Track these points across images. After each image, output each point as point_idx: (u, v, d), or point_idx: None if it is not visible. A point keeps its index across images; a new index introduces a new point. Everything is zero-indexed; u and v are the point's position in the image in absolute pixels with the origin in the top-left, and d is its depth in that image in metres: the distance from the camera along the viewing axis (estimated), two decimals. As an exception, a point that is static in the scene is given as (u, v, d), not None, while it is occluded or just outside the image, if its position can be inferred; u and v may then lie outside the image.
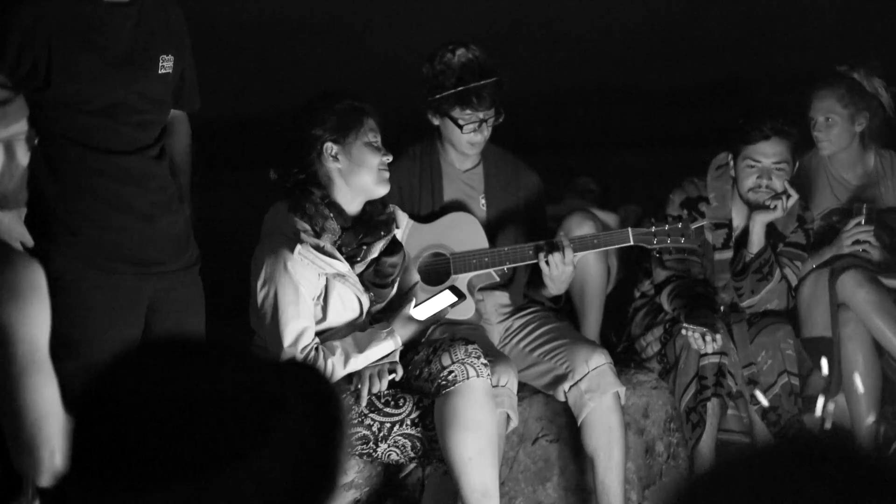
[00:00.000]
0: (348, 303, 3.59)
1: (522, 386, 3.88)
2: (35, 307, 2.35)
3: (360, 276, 3.60)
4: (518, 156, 4.19)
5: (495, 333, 4.09)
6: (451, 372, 3.50)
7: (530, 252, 3.90)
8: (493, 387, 3.64)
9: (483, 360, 3.53)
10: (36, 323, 2.34)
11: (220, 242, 4.06)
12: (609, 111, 6.08)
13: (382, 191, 3.58)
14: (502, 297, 4.12)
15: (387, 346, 3.55)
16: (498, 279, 4.06)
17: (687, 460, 4.18)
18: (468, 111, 3.92)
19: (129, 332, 3.27)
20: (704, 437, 4.07)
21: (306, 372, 1.34)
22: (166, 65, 3.36)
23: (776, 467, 1.13)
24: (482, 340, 3.89)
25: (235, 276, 3.71)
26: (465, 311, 3.93)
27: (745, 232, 4.28)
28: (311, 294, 3.51)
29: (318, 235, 3.52)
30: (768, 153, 4.17)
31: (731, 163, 4.27)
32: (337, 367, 3.48)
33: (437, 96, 3.93)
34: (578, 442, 3.92)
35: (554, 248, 3.86)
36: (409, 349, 3.67)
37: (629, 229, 3.98)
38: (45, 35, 3.19)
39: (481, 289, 4.08)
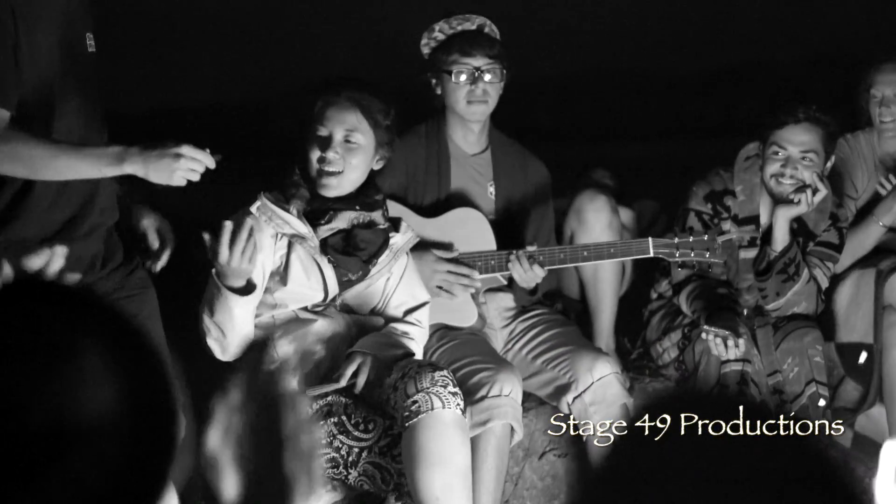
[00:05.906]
0: (311, 272, 3.44)
1: (528, 396, 3.75)
2: None
3: (325, 241, 3.44)
4: (524, 146, 4.11)
5: (499, 338, 3.96)
6: (414, 402, 3.28)
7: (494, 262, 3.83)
8: (496, 396, 3.51)
9: (452, 388, 3.31)
10: None
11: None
12: (623, 99, 5.95)
13: (324, 192, 3.45)
14: (506, 300, 3.99)
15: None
16: (504, 282, 3.94)
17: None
18: (461, 58, 3.84)
19: None
20: (726, 452, 3.84)
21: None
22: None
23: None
24: (483, 347, 3.78)
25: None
26: (467, 318, 3.83)
27: (772, 229, 4.07)
28: (266, 255, 3.40)
29: (287, 201, 3.44)
30: (796, 141, 3.98)
31: (761, 152, 4.05)
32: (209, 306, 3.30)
33: (429, 41, 3.89)
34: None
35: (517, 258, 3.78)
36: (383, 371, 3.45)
37: (649, 239, 3.85)
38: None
39: (485, 291, 3.96)
